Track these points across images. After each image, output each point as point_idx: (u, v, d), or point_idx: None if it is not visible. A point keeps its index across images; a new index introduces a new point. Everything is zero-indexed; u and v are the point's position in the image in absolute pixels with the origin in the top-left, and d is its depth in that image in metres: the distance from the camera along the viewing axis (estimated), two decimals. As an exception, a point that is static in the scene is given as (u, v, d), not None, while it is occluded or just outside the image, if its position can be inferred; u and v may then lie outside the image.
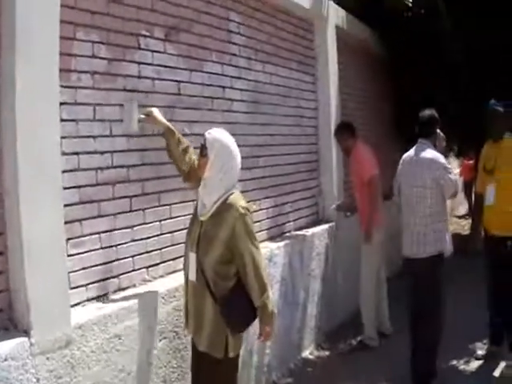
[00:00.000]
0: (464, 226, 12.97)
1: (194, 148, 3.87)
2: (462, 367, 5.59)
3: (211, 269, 3.49)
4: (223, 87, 5.00)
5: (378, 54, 9.26)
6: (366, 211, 6.08)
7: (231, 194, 3.55)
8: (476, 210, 6.03)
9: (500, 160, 5.43)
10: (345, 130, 6.35)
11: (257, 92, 5.55)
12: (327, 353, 6.25)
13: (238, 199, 3.54)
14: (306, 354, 6.12)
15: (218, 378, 3.63)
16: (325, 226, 6.72)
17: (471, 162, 14.47)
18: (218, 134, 3.61)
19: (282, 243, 5.69)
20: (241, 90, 5.27)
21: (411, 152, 5.29)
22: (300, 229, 6.36)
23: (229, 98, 5.09)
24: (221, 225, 3.47)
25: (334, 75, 7.08)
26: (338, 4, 7.50)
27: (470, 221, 12.23)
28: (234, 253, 3.50)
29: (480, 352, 5.75)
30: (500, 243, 5.37)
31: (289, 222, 6.19)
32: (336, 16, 7.30)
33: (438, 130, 5.33)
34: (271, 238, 5.74)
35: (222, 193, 3.53)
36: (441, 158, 5.17)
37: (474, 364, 5.62)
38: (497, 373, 5.07)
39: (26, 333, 2.97)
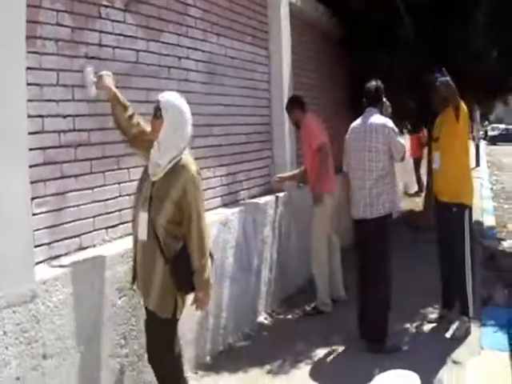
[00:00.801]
0: (418, 203, 13.31)
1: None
2: (414, 330, 5.85)
3: (162, 228, 3.62)
4: (179, 57, 5.17)
5: (334, 31, 9.50)
6: (315, 176, 6.29)
7: (182, 156, 3.68)
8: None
9: (443, 128, 5.67)
10: (294, 104, 6.53)
11: (212, 63, 5.73)
12: (282, 317, 6.47)
13: (190, 162, 3.68)
14: (261, 318, 6.34)
15: (162, 336, 3.78)
16: (277, 195, 6.93)
17: (421, 135, 14.64)
18: (172, 97, 3.75)
19: (236, 209, 5.89)
20: (196, 60, 5.45)
21: (360, 120, 5.59)
22: (254, 197, 6.57)
23: (185, 68, 5.27)
24: (173, 185, 3.61)
25: (287, 50, 7.28)
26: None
27: (422, 198, 12.66)
28: (184, 213, 3.62)
29: (432, 316, 6.04)
30: (446, 209, 5.62)
31: (242, 189, 6.40)
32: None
33: (384, 99, 5.56)
34: (225, 205, 5.94)
35: (176, 154, 3.66)
36: (390, 122, 5.48)
37: (427, 327, 5.89)
38: (448, 334, 5.48)
39: (-7, 288, 3.09)
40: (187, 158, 3.71)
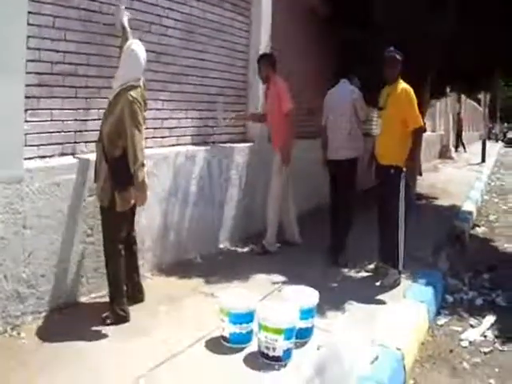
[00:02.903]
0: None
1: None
2: (351, 274, 6.75)
3: (106, 135, 4.91)
4: (160, 16, 6.37)
5: (323, 10, 10.30)
6: (280, 135, 7.28)
7: (131, 86, 4.89)
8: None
9: (390, 99, 6.29)
10: (266, 59, 7.31)
11: (190, 24, 6.89)
12: (238, 249, 7.55)
13: (132, 90, 4.87)
14: (220, 246, 7.51)
15: (105, 224, 5.06)
16: (246, 144, 8.08)
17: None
18: (129, 43, 5.07)
19: (202, 148, 7.11)
20: (175, 20, 6.62)
21: (336, 87, 7.33)
22: (224, 143, 7.74)
23: (164, 25, 6.46)
24: (117, 104, 4.86)
25: (267, 19, 8.36)
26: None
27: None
28: (122, 128, 4.82)
29: (370, 266, 6.86)
30: (385, 169, 6.29)
31: (213, 134, 7.55)
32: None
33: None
34: (194, 144, 7.12)
35: (122, 82, 4.91)
36: (356, 89, 7.20)
37: (363, 274, 6.75)
38: (378, 282, 6.33)
39: (-10, 167, 4.37)
40: (135, 89, 4.91)
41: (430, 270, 6.93)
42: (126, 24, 5.48)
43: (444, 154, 25.61)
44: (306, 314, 4.60)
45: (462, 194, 13.60)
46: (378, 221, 6.51)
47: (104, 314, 4.87)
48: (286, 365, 4.26)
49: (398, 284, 6.24)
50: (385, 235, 6.42)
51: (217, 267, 6.55)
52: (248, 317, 4.56)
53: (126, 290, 5.05)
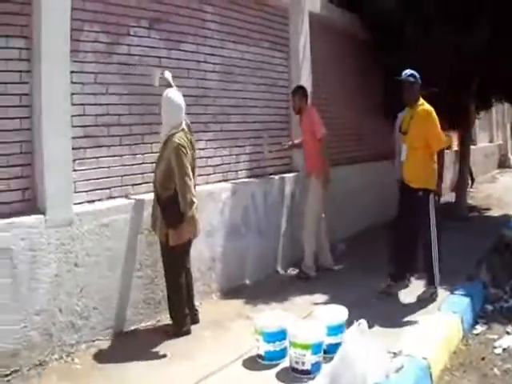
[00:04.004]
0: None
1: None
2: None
3: (158, 179, 5.69)
4: (198, 61, 7.12)
5: (362, 36, 10.98)
6: (316, 161, 7.85)
7: (176, 132, 5.65)
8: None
9: (411, 123, 6.64)
10: (299, 92, 7.94)
11: (229, 65, 7.63)
12: (286, 275, 8.18)
13: (177, 136, 5.61)
14: (268, 272, 8.14)
15: (165, 258, 5.86)
16: (291, 174, 8.71)
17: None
18: (166, 92, 5.79)
19: (246, 181, 7.85)
20: (214, 63, 7.37)
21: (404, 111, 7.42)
22: (269, 174, 8.40)
23: (203, 70, 7.22)
24: (165, 150, 5.64)
25: (306, 51, 9.03)
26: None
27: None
28: (171, 172, 5.57)
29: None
30: (411, 192, 6.63)
31: (258, 168, 8.23)
32: (311, 3, 9.28)
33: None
34: (239, 178, 7.83)
35: (168, 130, 5.70)
36: None
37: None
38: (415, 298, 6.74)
39: (43, 214, 5.19)
40: (178, 134, 5.66)
41: (470, 281, 7.36)
42: (170, 78, 6.17)
43: (503, 164, 26.02)
44: (334, 330, 5.14)
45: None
46: (399, 240, 6.85)
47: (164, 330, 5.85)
48: (314, 377, 4.82)
49: (435, 299, 6.61)
50: (423, 255, 6.76)
51: (262, 292, 7.17)
52: (280, 335, 5.15)
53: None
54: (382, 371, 4.58)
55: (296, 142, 8.34)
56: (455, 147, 14.55)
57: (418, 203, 6.58)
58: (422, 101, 6.65)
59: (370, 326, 5.73)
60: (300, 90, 8.00)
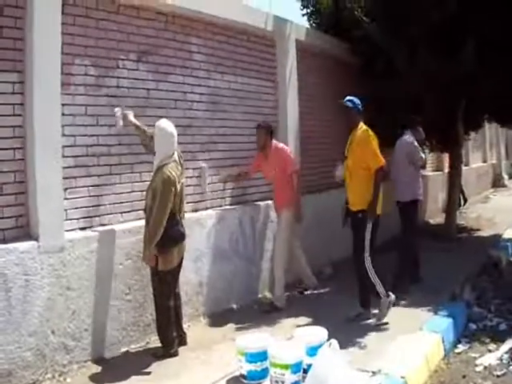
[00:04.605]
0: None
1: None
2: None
3: (147, 207, 6.11)
4: (184, 92, 7.57)
5: (349, 61, 11.44)
6: (287, 195, 7.94)
7: (167, 163, 6.07)
8: None
9: (350, 147, 7.02)
10: (263, 130, 7.91)
11: (215, 95, 8.07)
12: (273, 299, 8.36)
13: (169, 168, 6.03)
14: (257, 296, 8.53)
15: (155, 283, 6.26)
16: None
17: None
18: (158, 123, 6.22)
19: (233, 207, 8.27)
20: (200, 94, 7.82)
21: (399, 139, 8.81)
22: (255, 201, 8.80)
23: (190, 100, 7.65)
24: (155, 180, 6.05)
25: (293, 78, 9.48)
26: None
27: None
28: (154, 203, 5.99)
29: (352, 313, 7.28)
30: (352, 215, 7.03)
31: (244, 194, 8.63)
32: (296, 32, 9.71)
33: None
34: (226, 205, 8.26)
35: (159, 160, 6.12)
36: (413, 141, 8.72)
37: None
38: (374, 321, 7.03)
39: (36, 240, 5.59)
40: (167, 165, 6.06)
41: (454, 301, 7.74)
42: (134, 120, 6.49)
43: (497, 183, 26.49)
44: (314, 350, 5.42)
45: (507, 224, 14.18)
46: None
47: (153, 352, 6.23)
48: None
49: (390, 307, 6.97)
50: (359, 276, 7.14)
51: (248, 316, 7.52)
52: (262, 356, 5.49)
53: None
54: (353, 384, 4.95)
55: (233, 173, 8.22)
56: (446, 168, 14.94)
57: (357, 225, 6.95)
58: (361, 125, 6.98)
59: (351, 345, 6.17)
60: (263, 127, 7.95)
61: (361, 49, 11.04)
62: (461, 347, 6.68)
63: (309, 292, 8.38)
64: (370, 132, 6.90)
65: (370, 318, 7.04)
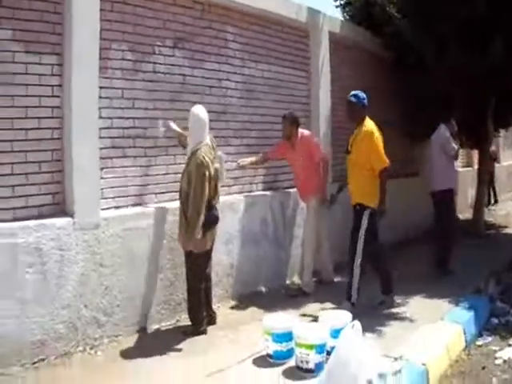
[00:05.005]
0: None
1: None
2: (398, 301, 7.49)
3: (182, 190, 6.08)
4: (219, 79, 7.55)
5: (381, 55, 11.30)
6: (314, 182, 7.78)
7: (199, 148, 6.03)
8: None
9: (354, 144, 6.83)
10: (288, 119, 7.81)
11: (249, 83, 8.05)
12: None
13: (202, 152, 5.99)
14: (286, 281, 8.48)
15: (187, 263, 6.22)
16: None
17: (493, 150, 16.32)
18: (193, 109, 6.19)
19: (265, 193, 8.23)
20: (235, 81, 7.79)
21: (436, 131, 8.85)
22: (286, 188, 8.73)
23: (224, 87, 7.63)
24: (190, 164, 6.02)
25: (326, 68, 9.42)
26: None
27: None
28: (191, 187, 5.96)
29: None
30: (353, 207, 6.89)
31: (276, 181, 8.59)
32: (330, 24, 9.64)
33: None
34: (258, 190, 8.23)
35: (193, 145, 6.09)
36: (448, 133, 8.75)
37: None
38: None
39: (72, 217, 5.64)
40: (201, 149, 6.03)
41: (477, 295, 7.61)
42: (175, 127, 6.61)
43: None
44: (337, 332, 5.24)
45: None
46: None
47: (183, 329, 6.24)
48: (316, 376, 5.08)
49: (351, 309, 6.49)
50: (374, 265, 7.07)
51: (277, 299, 7.48)
52: (287, 336, 5.47)
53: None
54: (374, 370, 4.88)
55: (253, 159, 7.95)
56: (476, 165, 14.74)
57: (355, 218, 6.82)
58: (367, 120, 6.77)
59: (375, 332, 6.10)
60: (288, 118, 7.85)
61: (392, 44, 10.90)
62: (482, 340, 6.59)
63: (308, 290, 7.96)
64: (376, 130, 6.73)
65: (393, 306, 7.02)
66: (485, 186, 13.02)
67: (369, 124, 6.74)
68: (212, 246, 6.32)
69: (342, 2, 12.96)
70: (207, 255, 6.30)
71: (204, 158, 5.95)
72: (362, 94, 6.80)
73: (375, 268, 7.05)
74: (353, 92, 6.90)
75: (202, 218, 5.91)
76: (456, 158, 9.05)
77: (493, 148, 15.65)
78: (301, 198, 8.25)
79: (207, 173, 5.93)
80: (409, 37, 10.00)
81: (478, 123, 11.52)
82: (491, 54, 9.26)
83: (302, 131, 7.95)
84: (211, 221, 6.10)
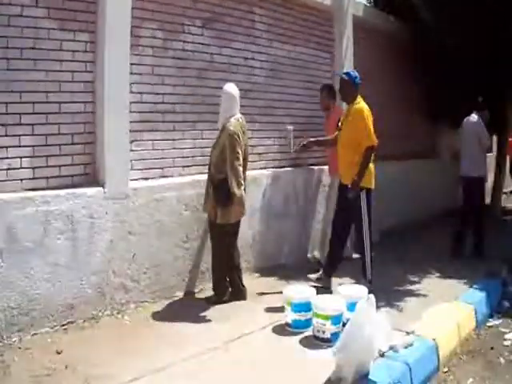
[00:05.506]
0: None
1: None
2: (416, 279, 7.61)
3: (213, 163, 6.08)
4: (246, 58, 7.53)
5: (404, 41, 11.12)
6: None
7: (229, 121, 6.00)
8: None
9: (345, 121, 6.58)
10: (326, 89, 7.92)
11: (275, 63, 8.01)
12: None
13: (233, 124, 5.97)
14: (307, 255, 8.53)
15: (213, 235, 6.25)
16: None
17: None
18: (224, 86, 6.17)
19: (288, 169, 8.21)
20: (261, 60, 7.76)
21: (467, 118, 8.79)
22: (310, 165, 8.70)
23: (250, 66, 7.62)
24: (221, 137, 6.02)
25: (350, 51, 9.33)
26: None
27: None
28: (225, 157, 5.95)
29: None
30: (345, 188, 6.53)
31: (299, 158, 8.48)
32: (354, 7, 9.54)
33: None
34: (281, 166, 8.20)
35: (223, 118, 6.08)
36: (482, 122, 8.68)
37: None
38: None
39: (102, 186, 5.68)
40: (231, 122, 6.00)
41: (490, 278, 7.54)
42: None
43: None
44: (353, 306, 5.22)
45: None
46: (332, 234, 6.99)
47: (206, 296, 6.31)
48: (332, 345, 5.03)
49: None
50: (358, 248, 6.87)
51: (296, 272, 7.46)
52: (306, 306, 5.49)
53: (230, 290, 6.34)
54: (387, 339, 4.90)
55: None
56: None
57: (348, 199, 6.45)
58: (358, 99, 6.50)
59: (390, 307, 6.11)
60: (326, 87, 7.95)
61: (415, 29, 10.78)
62: (492, 321, 6.58)
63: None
64: (366, 108, 6.45)
65: (329, 288, 6.72)
66: (504, 172, 12.83)
67: (360, 103, 6.48)
68: (238, 220, 6.20)
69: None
70: (233, 228, 6.22)
71: (234, 128, 5.93)
72: (354, 73, 6.60)
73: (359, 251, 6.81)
74: (345, 70, 6.89)
75: (241, 176, 5.91)
76: (488, 151, 9.26)
77: None
78: (329, 172, 8.26)
79: (239, 140, 5.92)
80: (433, 24, 9.97)
81: (496, 109, 11.33)
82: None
83: (338, 106, 7.94)
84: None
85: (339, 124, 6.75)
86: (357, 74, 6.59)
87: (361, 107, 6.40)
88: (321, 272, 6.90)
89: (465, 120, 8.84)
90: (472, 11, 9.33)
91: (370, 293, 5.20)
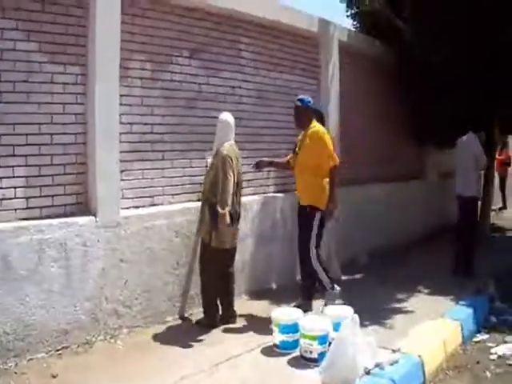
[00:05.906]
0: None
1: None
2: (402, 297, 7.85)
3: (207, 186, 6.36)
4: (233, 87, 7.82)
5: (388, 62, 11.43)
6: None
7: (223, 146, 6.31)
8: None
9: (302, 146, 6.85)
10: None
11: (261, 91, 8.30)
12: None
13: (224, 149, 6.28)
14: (297, 278, 8.54)
15: (205, 256, 6.48)
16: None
17: (503, 157, 16.56)
18: (220, 116, 6.52)
19: (276, 195, 8.50)
20: (247, 89, 8.05)
21: (464, 137, 9.07)
22: (295, 190, 8.86)
23: (238, 95, 7.91)
24: (214, 163, 6.31)
25: (335, 77, 9.63)
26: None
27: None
28: (218, 179, 6.22)
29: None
30: (302, 209, 6.90)
31: (286, 184, 8.74)
32: (340, 33, 9.84)
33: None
34: (269, 192, 8.49)
35: (218, 144, 6.40)
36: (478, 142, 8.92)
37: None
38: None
39: (94, 215, 5.93)
40: (225, 147, 6.32)
41: (478, 294, 7.79)
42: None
43: None
44: (339, 326, 5.41)
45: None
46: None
47: (197, 320, 6.54)
48: (319, 365, 5.31)
49: (336, 296, 6.81)
50: (302, 266, 7.09)
51: (286, 295, 7.66)
52: (293, 328, 5.73)
53: (220, 313, 6.56)
54: (373, 357, 5.15)
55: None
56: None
57: (305, 219, 6.78)
58: (314, 123, 6.76)
59: (377, 325, 6.39)
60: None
61: (401, 51, 11.12)
62: (479, 337, 6.78)
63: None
64: (322, 130, 6.76)
65: (310, 310, 6.82)
66: (492, 189, 13.13)
67: (316, 125, 6.76)
68: (233, 246, 6.54)
69: (353, 12, 13.12)
70: (226, 253, 6.48)
71: (228, 151, 6.26)
72: (307, 98, 6.85)
73: (305, 271, 7.03)
74: (298, 96, 6.97)
75: (229, 207, 6.17)
76: (484, 169, 9.67)
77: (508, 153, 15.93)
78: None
79: (231, 163, 6.22)
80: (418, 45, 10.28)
81: (483, 127, 11.66)
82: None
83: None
84: (231, 214, 6.25)
85: (296, 149, 6.95)
86: (310, 99, 6.86)
87: (317, 130, 6.68)
88: (299, 299, 7.01)
89: (461, 139, 9.11)
90: (465, 17, 9.51)
91: (354, 311, 5.52)
